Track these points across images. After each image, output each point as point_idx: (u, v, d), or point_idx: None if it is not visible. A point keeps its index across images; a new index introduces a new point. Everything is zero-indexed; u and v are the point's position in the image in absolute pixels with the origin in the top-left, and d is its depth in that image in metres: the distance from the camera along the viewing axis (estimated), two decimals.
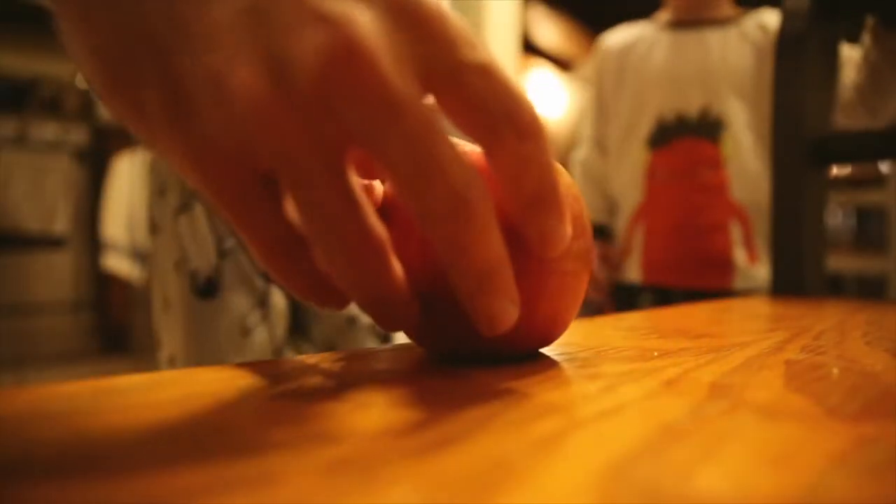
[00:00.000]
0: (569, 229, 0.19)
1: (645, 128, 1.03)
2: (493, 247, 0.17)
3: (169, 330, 0.55)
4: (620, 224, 1.08)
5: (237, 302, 0.52)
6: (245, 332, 0.52)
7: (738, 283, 0.97)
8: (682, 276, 1.00)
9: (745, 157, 0.97)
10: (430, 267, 0.19)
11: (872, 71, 0.76)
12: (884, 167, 2.25)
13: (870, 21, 0.72)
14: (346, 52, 0.14)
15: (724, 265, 0.97)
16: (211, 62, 0.15)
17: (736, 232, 0.97)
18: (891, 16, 0.67)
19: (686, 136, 0.99)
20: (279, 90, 0.15)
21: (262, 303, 0.53)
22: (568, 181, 0.22)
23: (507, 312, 0.17)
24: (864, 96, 0.78)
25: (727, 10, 1.03)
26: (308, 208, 0.16)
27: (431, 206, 0.16)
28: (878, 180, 2.32)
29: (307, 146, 0.15)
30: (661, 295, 1.02)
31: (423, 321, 0.20)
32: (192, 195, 0.53)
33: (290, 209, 0.17)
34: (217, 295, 0.52)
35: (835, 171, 2.30)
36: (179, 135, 0.16)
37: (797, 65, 0.59)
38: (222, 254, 0.52)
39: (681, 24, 1.05)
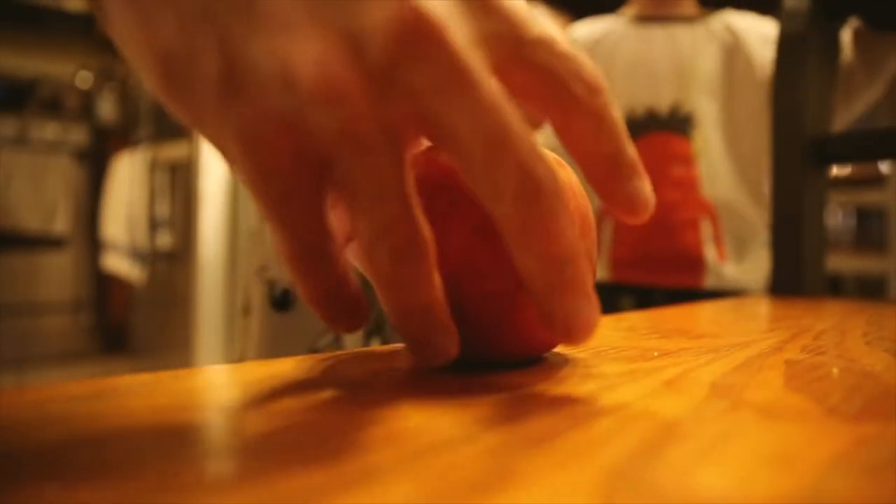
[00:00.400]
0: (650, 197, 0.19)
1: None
2: (569, 232, 0.16)
3: (245, 333, 0.54)
4: None
5: (311, 320, 0.51)
6: (314, 353, 0.51)
7: (709, 281, 0.95)
8: (650, 273, 0.98)
9: (715, 155, 0.96)
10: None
11: (846, 75, 0.76)
12: (884, 167, 2.25)
13: (853, 23, 0.71)
14: (415, 24, 0.14)
15: (695, 263, 0.96)
16: (276, 39, 0.15)
17: (706, 229, 0.96)
18: (882, 17, 0.67)
19: (656, 131, 0.98)
20: (351, 64, 0.14)
21: None
22: (570, 176, 0.21)
23: (586, 313, 0.16)
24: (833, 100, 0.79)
25: (691, 8, 1.03)
26: (362, 191, 0.15)
27: (502, 184, 0.15)
28: (878, 180, 2.32)
29: (374, 123, 0.15)
30: (641, 295, 1.00)
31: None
32: None
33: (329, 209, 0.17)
34: (291, 308, 0.51)
35: (835, 171, 2.30)
36: (237, 116, 0.15)
37: (797, 65, 0.59)
38: None
39: (648, 18, 1.04)
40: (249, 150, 0.15)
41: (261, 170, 0.16)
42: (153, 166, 2.34)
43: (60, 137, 2.92)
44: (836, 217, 2.80)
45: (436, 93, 0.15)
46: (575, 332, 0.16)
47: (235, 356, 0.56)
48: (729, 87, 0.96)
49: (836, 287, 2.56)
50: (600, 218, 1.02)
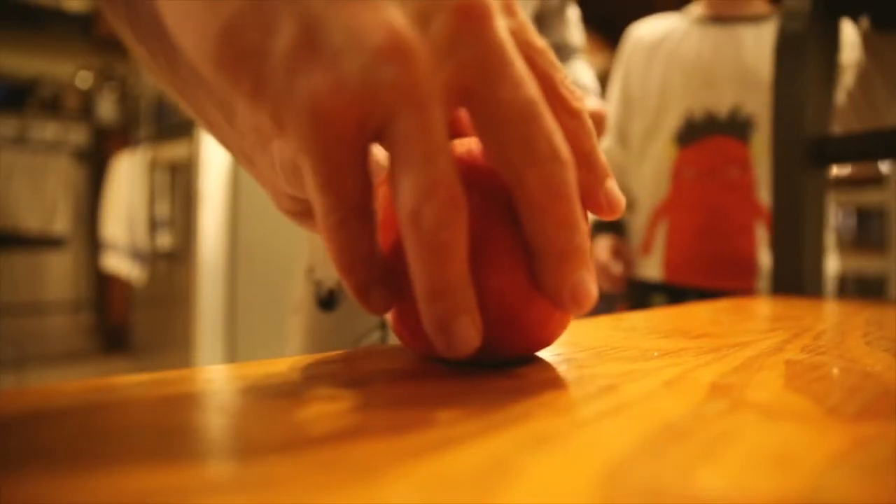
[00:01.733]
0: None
1: (672, 123, 0.99)
2: (580, 206, 0.18)
3: (294, 333, 0.55)
4: (638, 220, 1.05)
5: (355, 321, 0.51)
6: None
7: (762, 285, 0.94)
8: (704, 276, 0.97)
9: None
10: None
11: (862, 78, 0.76)
12: (884, 167, 2.25)
13: (863, 24, 0.71)
14: (472, 9, 0.17)
15: (749, 267, 0.95)
16: (355, 9, 0.16)
17: (761, 233, 0.94)
18: (886, 16, 0.67)
19: (715, 135, 0.96)
20: (418, 33, 0.16)
21: (383, 325, 0.52)
22: None
23: (591, 285, 0.18)
24: (856, 103, 0.78)
25: (762, 7, 1.00)
26: (415, 150, 0.16)
27: (532, 147, 0.17)
28: (878, 180, 2.32)
29: (432, 86, 0.16)
30: (675, 294, 0.99)
31: (416, 323, 0.20)
32: None
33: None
34: (337, 308, 0.52)
35: (835, 171, 2.29)
36: (311, 84, 0.16)
37: (797, 65, 0.59)
38: None
39: (715, 19, 1.01)
40: (321, 119, 0.16)
41: (326, 139, 0.16)
42: (153, 166, 2.34)
43: (60, 137, 2.92)
44: (836, 217, 2.80)
45: (482, 66, 0.17)
46: (580, 302, 0.18)
47: (284, 354, 0.57)
48: None
49: (836, 287, 2.55)
50: (654, 220, 1.02)
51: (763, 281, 0.94)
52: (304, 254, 0.54)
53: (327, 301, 0.52)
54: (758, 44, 0.96)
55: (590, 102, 0.50)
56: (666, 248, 1.00)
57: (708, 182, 0.97)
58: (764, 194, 0.95)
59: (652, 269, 1.02)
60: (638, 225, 1.05)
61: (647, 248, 1.03)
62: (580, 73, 0.74)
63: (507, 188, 0.18)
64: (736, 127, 0.95)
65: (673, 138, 0.99)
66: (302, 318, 0.53)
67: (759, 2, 1.01)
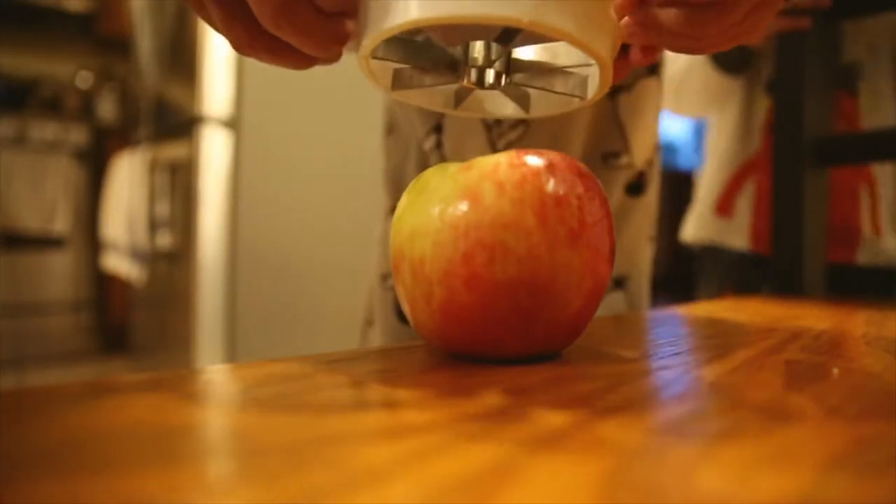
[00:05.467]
0: None
1: (766, 69, 0.84)
2: None
3: (371, 345, 0.50)
4: (715, 177, 0.90)
5: None
6: None
7: (863, 255, 0.81)
8: None
9: (886, 113, 0.77)
10: (465, 272, 0.20)
11: (690, 59, 0.71)
12: None
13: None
14: None
15: (850, 235, 0.81)
16: None
17: (865, 200, 0.80)
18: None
19: None
20: None
21: None
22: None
23: None
24: (672, 83, 0.73)
25: None
26: None
27: None
28: None
29: None
30: (765, 265, 0.82)
31: (450, 326, 0.21)
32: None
33: None
34: None
35: None
36: None
37: (797, 65, 0.59)
38: None
39: None
40: None
41: None
42: (153, 166, 2.34)
43: (60, 137, 2.91)
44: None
45: None
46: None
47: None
48: None
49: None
50: (739, 179, 0.87)
51: (865, 253, 0.80)
52: (376, 260, 0.50)
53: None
54: None
55: None
56: (753, 212, 0.85)
57: None
58: None
59: (736, 236, 0.87)
60: (712, 178, 0.91)
61: (724, 208, 0.88)
62: None
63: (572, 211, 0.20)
64: (842, 74, 0.79)
65: (767, 86, 0.84)
66: (379, 329, 0.49)
67: None
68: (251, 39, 0.24)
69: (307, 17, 0.21)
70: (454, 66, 0.25)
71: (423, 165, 0.46)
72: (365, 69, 0.24)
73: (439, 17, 0.20)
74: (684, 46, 0.24)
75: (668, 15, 0.22)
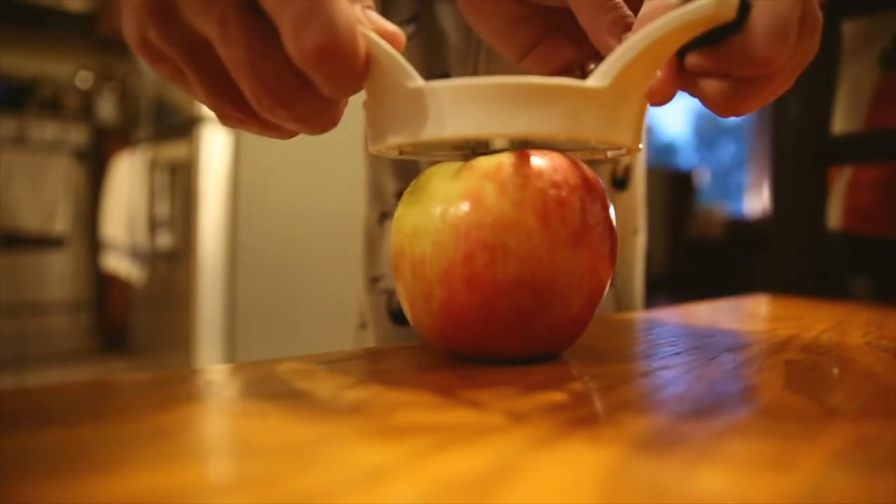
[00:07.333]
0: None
1: (879, 42, 0.76)
2: None
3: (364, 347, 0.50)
4: None
5: None
6: None
7: None
8: (891, 226, 0.75)
9: None
10: (466, 272, 0.19)
11: None
12: None
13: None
14: None
15: None
16: None
17: None
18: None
19: None
20: None
21: None
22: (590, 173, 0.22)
23: None
24: None
25: None
26: None
27: None
28: None
29: None
30: (858, 246, 0.77)
31: (450, 326, 0.21)
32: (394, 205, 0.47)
33: None
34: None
35: None
36: None
37: None
38: None
39: None
40: None
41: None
42: (153, 166, 2.34)
43: (60, 137, 2.91)
44: None
45: None
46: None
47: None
48: None
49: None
50: None
51: None
52: (365, 262, 0.50)
53: (401, 313, 0.46)
54: None
55: None
56: (849, 190, 0.78)
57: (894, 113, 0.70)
58: None
59: (832, 218, 0.77)
60: None
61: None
62: None
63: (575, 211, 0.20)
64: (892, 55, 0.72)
65: (879, 58, 0.78)
66: (372, 332, 0.49)
67: None
68: (242, 122, 0.23)
69: (306, 107, 0.20)
70: (469, 150, 0.25)
71: (400, 172, 0.45)
72: (374, 151, 0.23)
73: (479, 134, 0.19)
74: (724, 112, 0.24)
75: (710, 87, 0.22)
